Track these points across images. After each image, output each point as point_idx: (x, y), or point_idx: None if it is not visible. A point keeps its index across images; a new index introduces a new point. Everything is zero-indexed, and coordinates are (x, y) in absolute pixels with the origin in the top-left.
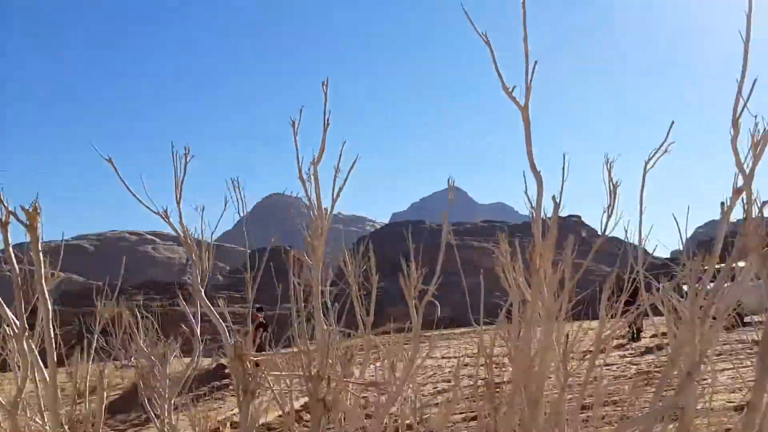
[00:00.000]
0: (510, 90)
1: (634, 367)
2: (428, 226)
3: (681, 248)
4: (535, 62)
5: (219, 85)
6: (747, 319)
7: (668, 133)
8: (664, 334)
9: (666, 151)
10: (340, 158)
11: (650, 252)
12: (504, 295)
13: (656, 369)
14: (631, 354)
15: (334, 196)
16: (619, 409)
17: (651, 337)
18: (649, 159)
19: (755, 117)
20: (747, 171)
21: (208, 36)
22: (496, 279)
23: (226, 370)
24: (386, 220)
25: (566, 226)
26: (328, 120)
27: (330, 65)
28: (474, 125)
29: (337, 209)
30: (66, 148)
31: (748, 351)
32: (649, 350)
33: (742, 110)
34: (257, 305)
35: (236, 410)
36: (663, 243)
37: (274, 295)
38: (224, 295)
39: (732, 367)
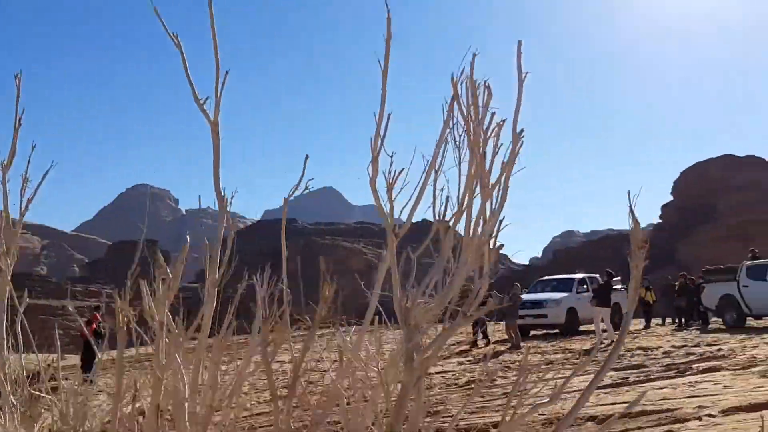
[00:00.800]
0: (202, 102)
1: (467, 375)
2: (300, 225)
3: (539, 256)
4: (226, 72)
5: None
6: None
7: (304, 169)
8: (504, 340)
9: (306, 187)
10: (28, 164)
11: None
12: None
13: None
14: (468, 361)
15: (22, 208)
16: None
17: (495, 342)
18: (290, 195)
19: (391, 156)
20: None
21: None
22: (368, 279)
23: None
24: (258, 217)
25: (423, 229)
26: (20, 119)
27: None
28: (351, 125)
29: (206, 204)
30: None
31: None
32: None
33: (380, 148)
34: (96, 304)
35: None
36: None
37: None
38: (80, 288)
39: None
